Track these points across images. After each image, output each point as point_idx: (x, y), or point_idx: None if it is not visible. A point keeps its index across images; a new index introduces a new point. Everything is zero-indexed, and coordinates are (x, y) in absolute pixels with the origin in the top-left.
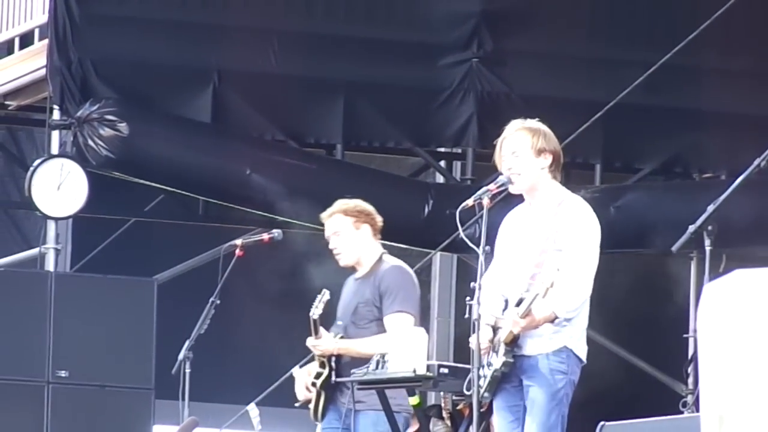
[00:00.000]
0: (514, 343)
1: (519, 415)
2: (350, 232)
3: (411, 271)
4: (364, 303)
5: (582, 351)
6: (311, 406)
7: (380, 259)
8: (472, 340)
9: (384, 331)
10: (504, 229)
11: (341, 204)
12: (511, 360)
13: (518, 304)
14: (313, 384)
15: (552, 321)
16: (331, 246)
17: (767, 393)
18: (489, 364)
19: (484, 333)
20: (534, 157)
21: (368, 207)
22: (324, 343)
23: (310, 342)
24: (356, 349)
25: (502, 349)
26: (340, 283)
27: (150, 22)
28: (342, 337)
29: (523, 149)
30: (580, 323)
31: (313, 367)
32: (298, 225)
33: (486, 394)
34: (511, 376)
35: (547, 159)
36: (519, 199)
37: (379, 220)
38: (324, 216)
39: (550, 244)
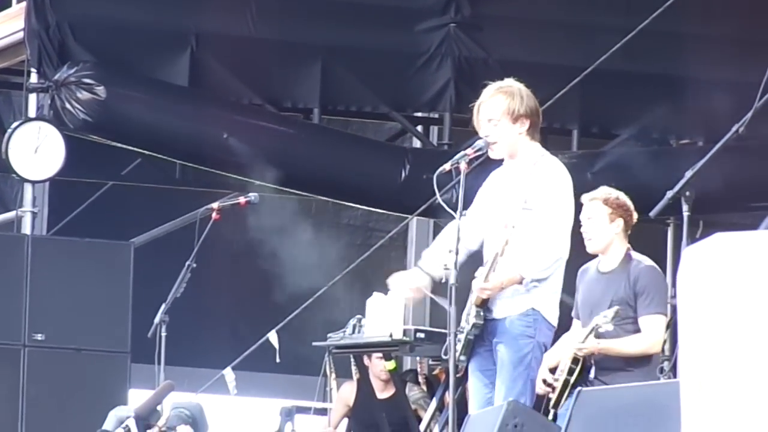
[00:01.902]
0: (484, 305)
1: (492, 378)
2: (603, 222)
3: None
4: (618, 301)
5: (551, 314)
6: (553, 396)
7: (629, 255)
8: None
9: (636, 329)
10: (484, 188)
11: (604, 192)
12: (481, 322)
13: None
14: (566, 380)
15: (520, 282)
16: (583, 230)
17: (747, 358)
18: (461, 330)
19: (419, 278)
20: (511, 124)
21: (628, 202)
22: (589, 343)
23: (577, 344)
24: (617, 349)
25: (473, 311)
26: (317, 247)
27: None
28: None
29: (499, 116)
30: (550, 286)
31: (563, 359)
32: (274, 189)
33: (462, 357)
34: (484, 339)
35: (525, 124)
36: (496, 164)
37: (634, 217)
38: (585, 199)
39: (521, 205)
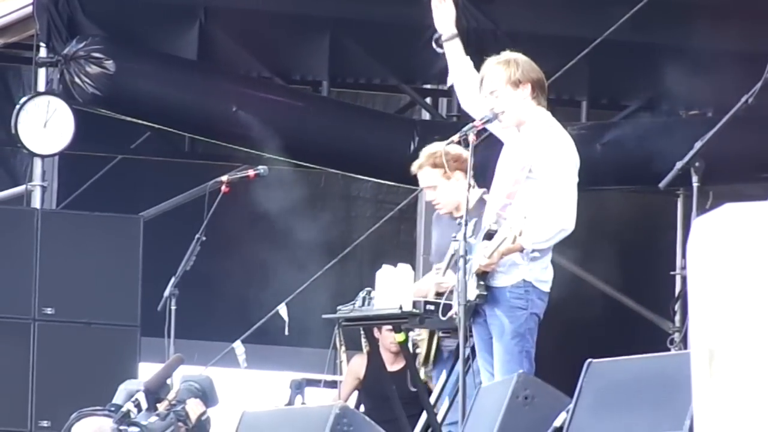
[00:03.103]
0: (485, 275)
1: (492, 349)
2: (443, 184)
3: None
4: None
5: (543, 283)
6: (421, 350)
7: (482, 200)
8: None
9: None
10: (504, 150)
11: (429, 154)
12: (485, 293)
13: (487, 237)
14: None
15: (521, 251)
16: (428, 198)
17: (757, 328)
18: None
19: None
20: (512, 91)
21: (458, 150)
22: (449, 281)
23: (437, 279)
24: None
25: (474, 280)
26: (325, 220)
27: None
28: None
29: (499, 86)
30: (540, 256)
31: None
32: (283, 161)
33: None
34: (479, 311)
35: (526, 88)
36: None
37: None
38: (414, 168)
39: (523, 175)
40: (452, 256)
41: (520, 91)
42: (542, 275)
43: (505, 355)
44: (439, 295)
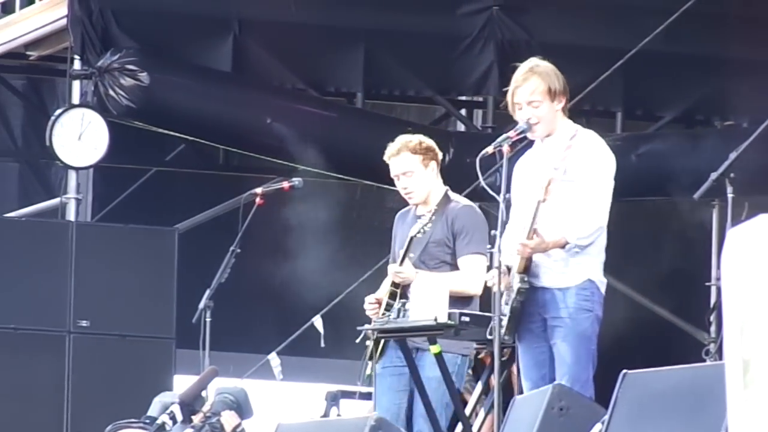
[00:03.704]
0: (527, 271)
1: (545, 357)
2: (420, 171)
3: (480, 211)
4: (435, 243)
5: (603, 284)
6: (369, 343)
7: (447, 196)
8: (494, 287)
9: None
10: (517, 174)
11: (407, 141)
12: (526, 286)
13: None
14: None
15: (563, 246)
16: (400, 186)
17: None
18: (506, 303)
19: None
20: (550, 103)
21: (431, 143)
22: (407, 270)
23: (394, 268)
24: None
25: (516, 278)
26: (360, 232)
27: None
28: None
29: (539, 97)
30: (599, 255)
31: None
32: (318, 173)
33: (506, 337)
34: (534, 314)
35: (561, 102)
36: (528, 146)
37: (440, 154)
38: (390, 153)
39: (558, 175)
40: (408, 243)
41: (556, 103)
42: (602, 276)
43: (572, 359)
44: (395, 285)
